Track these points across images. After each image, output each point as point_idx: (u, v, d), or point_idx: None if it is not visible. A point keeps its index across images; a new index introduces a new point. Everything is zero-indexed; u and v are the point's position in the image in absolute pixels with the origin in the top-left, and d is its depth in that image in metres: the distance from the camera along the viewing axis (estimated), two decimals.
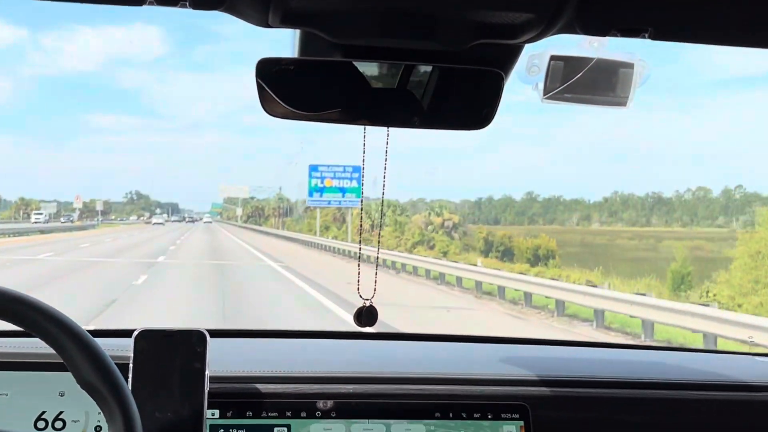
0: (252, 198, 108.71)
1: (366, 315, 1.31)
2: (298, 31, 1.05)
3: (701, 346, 8.97)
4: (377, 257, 1.52)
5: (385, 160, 1.23)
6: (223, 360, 1.34)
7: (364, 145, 1.20)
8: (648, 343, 10.63)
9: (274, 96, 1.05)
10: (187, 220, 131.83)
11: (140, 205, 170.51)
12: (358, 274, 1.34)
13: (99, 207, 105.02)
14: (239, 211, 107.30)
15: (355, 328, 1.35)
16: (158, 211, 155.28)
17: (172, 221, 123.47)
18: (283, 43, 1.16)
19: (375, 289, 1.32)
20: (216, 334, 1.37)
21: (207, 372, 1.23)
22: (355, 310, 1.33)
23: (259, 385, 1.31)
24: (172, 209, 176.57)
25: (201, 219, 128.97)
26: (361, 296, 1.31)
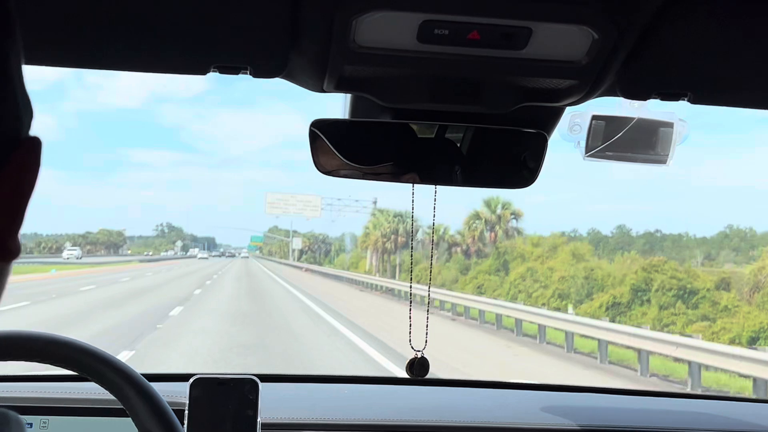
0: (294, 233, 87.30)
1: (418, 366, 1.48)
2: (349, 94, 1.28)
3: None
4: (428, 300, 1.74)
5: (434, 216, 1.49)
6: (273, 406, 1.53)
7: (413, 201, 1.44)
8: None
9: (326, 155, 1.25)
10: (226, 254, 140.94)
11: (171, 239, 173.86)
12: (410, 317, 1.52)
13: None
14: (297, 244, 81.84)
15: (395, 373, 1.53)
16: (178, 243, 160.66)
17: (213, 256, 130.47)
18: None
19: (426, 341, 1.47)
20: (266, 378, 1.57)
21: (259, 419, 1.44)
22: (407, 360, 1.50)
23: None
24: (209, 244, 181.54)
25: (239, 254, 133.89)
26: (412, 347, 1.47)
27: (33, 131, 0.53)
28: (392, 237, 51.58)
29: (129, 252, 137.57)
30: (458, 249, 44.23)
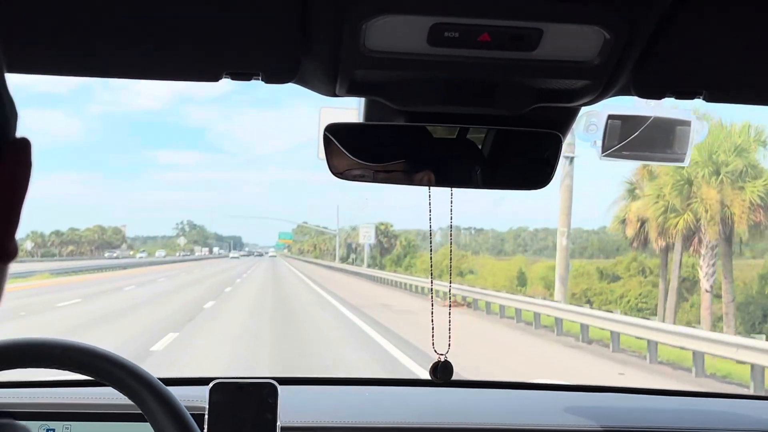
0: (325, 228, 70.95)
1: (442, 370, 1.50)
2: (363, 98, 1.31)
3: None
4: (449, 298, 1.77)
5: (451, 218, 1.53)
6: (293, 409, 1.58)
7: (429, 204, 1.48)
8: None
9: (339, 158, 1.29)
10: (255, 254, 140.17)
11: (192, 237, 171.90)
12: (432, 321, 1.54)
13: None
14: (367, 237, 56.37)
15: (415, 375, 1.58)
16: (181, 240, 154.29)
17: (242, 255, 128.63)
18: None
19: (450, 344, 1.49)
20: (285, 382, 1.61)
21: (278, 423, 1.48)
22: (431, 364, 1.52)
23: None
24: (235, 243, 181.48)
25: (266, 254, 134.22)
26: (435, 351, 1.49)
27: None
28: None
29: (140, 255, 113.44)
30: None
